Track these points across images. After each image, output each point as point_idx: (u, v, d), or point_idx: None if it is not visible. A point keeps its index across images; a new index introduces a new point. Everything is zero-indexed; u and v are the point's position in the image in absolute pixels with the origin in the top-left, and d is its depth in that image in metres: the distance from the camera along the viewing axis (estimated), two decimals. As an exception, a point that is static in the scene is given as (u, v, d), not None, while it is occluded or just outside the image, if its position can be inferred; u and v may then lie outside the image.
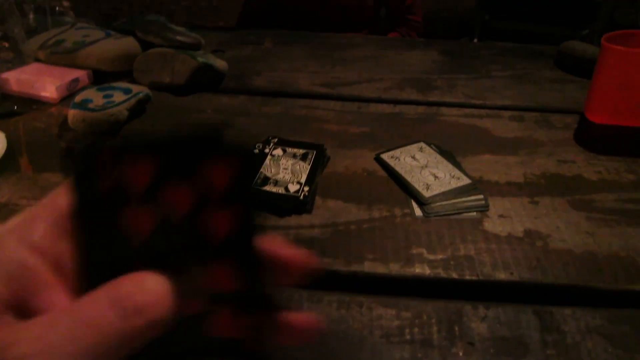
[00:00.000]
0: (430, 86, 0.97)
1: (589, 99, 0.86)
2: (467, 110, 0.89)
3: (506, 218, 0.65)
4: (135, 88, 0.82)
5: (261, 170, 0.70)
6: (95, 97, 0.78)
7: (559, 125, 0.85)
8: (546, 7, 2.41)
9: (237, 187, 0.23)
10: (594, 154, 0.78)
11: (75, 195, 0.23)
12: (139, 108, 0.82)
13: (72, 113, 0.75)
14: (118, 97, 0.79)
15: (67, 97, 0.86)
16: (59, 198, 0.24)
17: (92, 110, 0.75)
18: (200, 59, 0.90)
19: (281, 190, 0.66)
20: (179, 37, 0.94)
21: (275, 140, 0.77)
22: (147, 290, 0.21)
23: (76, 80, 0.88)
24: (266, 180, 0.68)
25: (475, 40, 2.56)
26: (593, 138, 0.82)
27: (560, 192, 0.70)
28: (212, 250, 0.23)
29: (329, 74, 1.01)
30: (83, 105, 0.76)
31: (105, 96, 0.79)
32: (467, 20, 2.91)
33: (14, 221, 0.23)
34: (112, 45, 0.94)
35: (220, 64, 0.94)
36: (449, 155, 0.76)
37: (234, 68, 1.00)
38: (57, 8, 1.14)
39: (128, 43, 0.95)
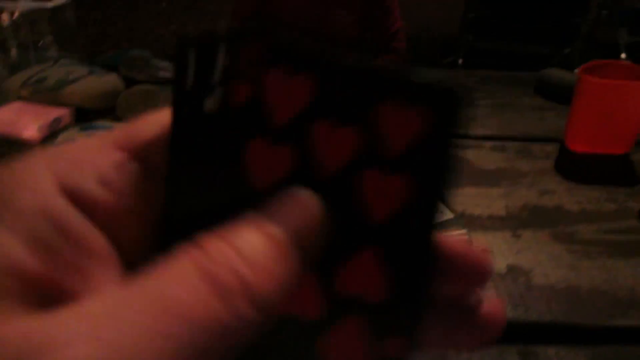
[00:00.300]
0: (413, 116, 0.98)
1: (568, 128, 0.87)
2: (450, 141, 0.90)
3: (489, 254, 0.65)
4: (118, 127, 0.82)
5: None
6: (77, 137, 0.78)
7: (539, 155, 0.86)
8: (528, 27, 2.46)
9: (423, 150, 0.15)
10: (575, 183, 0.79)
11: (181, 110, 0.16)
12: (122, 147, 0.82)
13: (53, 155, 0.75)
14: (100, 137, 0.79)
15: (49, 137, 0.86)
16: (144, 125, 0.17)
17: (74, 151, 0.75)
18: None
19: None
20: (162, 73, 0.94)
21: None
22: (255, 260, 0.13)
23: (58, 119, 0.88)
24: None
25: (460, 61, 2.60)
26: (573, 167, 0.83)
27: (541, 225, 0.70)
28: (363, 231, 0.16)
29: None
30: (65, 146, 0.76)
31: (87, 136, 0.78)
32: (451, 42, 2.95)
33: (56, 151, 0.16)
34: (95, 83, 0.94)
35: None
36: (431, 188, 0.76)
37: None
38: (40, 43, 1.15)
39: (111, 80, 0.95)
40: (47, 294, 0.13)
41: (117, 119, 0.90)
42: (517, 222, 0.71)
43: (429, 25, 3.79)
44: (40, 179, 0.14)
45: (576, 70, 0.83)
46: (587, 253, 0.65)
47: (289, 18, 1.39)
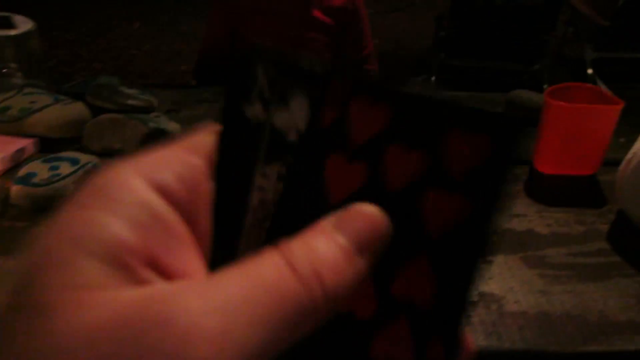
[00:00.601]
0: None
1: (536, 150, 0.88)
2: (421, 164, 0.90)
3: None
4: (83, 158, 0.80)
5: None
6: (40, 169, 0.76)
7: (509, 177, 0.87)
8: (498, 45, 2.51)
9: (482, 175, 0.17)
10: (544, 205, 0.80)
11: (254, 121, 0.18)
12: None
13: (15, 189, 0.73)
14: (65, 169, 0.77)
15: (12, 169, 0.84)
16: (206, 135, 0.19)
17: (36, 185, 0.73)
18: (151, 124, 0.89)
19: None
20: (130, 101, 0.93)
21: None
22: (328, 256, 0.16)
23: (21, 150, 0.86)
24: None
25: (433, 78, 2.64)
26: (543, 189, 0.84)
27: (513, 249, 0.70)
28: (420, 243, 0.18)
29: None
30: (27, 179, 0.73)
31: (51, 168, 0.76)
32: (424, 59, 3.00)
33: (138, 156, 0.18)
34: (60, 112, 0.92)
35: (172, 126, 0.93)
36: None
37: (187, 129, 0.99)
38: (3, 70, 1.12)
39: (77, 109, 0.93)
40: (148, 268, 0.16)
41: (84, 148, 0.88)
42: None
43: (403, 44, 3.85)
44: (131, 178, 0.17)
45: (545, 86, 0.85)
46: (557, 277, 0.66)
47: (264, 41, 1.39)
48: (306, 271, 0.16)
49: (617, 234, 0.74)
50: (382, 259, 0.18)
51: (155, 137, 0.90)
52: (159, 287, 0.15)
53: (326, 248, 0.16)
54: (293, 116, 0.18)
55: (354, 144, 0.18)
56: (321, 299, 0.16)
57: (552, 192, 0.83)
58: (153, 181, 0.17)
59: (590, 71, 2.67)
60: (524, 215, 0.77)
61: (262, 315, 0.15)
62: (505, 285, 0.64)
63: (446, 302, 0.18)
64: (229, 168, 0.19)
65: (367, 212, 0.18)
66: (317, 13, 1.39)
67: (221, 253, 0.18)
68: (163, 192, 0.17)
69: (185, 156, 0.19)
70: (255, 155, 0.19)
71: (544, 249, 0.70)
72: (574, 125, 0.81)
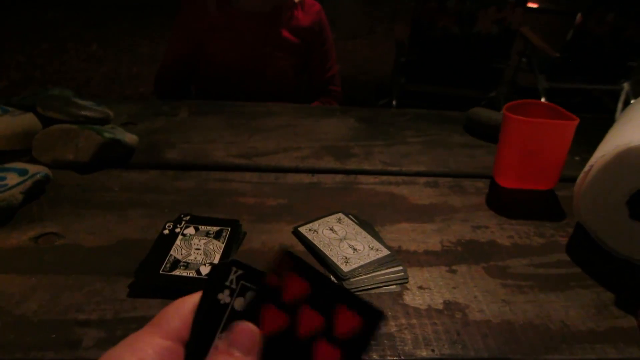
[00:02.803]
0: (348, 154, 0.98)
1: (496, 164, 0.89)
2: (384, 178, 0.90)
3: (425, 290, 0.64)
4: (32, 168, 0.76)
5: (171, 252, 0.65)
6: (-15, 180, 0.71)
7: (471, 190, 0.88)
8: (456, 72, 2.58)
9: (354, 342, 0.28)
10: (505, 217, 0.80)
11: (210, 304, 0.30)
12: (37, 190, 0.76)
13: (-43, 199, 0.68)
14: (12, 179, 0.73)
15: (-46, 179, 0.78)
16: (176, 319, 0.30)
17: (-20, 195, 0.68)
18: (106, 134, 0.86)
19: (192, 274, 0.62)
20: (83, 112, 0.89)
21: (188, 218, 0.73)
22: None
23: (-35, 160, 0.81)
24: (176, 263, 0.63)
25: (394, 102, 2.69)
26: (503, 202, 0.85)
27: (476, 259, 0.70)
28: None
29: (246, 144, 0.99)
30: (-30, 189, 0.69)
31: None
32: (385, 84, 3.05)
33: (127, 342, 0.29)
34: (9, 123, 0.87)
35: (129, 137, 0.90)
36: (367, 225, 0.75)
37: (145, 141, 0.96)
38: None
39: (27, 119, 0.89)
40: None
41: (34, 160, 0.84)
42: (452, 257, 0.70)
43: (365, 69, 3.92)
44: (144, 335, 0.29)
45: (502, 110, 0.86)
46: (519, 287, 0.66)
47: (227, 60, 1.38)
48: None
49: (576, 246, 0.75)
50: None
51: (111, 148, 0.87)
52: None
53: None
54: (246, 302, 0.30)
55: (283, 301, 0.29)
56: None
57: (512, 205, 0.84)
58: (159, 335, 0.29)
59: (543, 99, 2.78)
60: (486, 227, 0.77)
61: None
62: (470, 294, 0.64)
63: None
64: (199, 332, 0.30)
65: (246, 328, 0.28)
66: (284, 33, 1.40)
67: None
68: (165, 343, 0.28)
69: (154, 339, 0.29)
70: (218, 324, 0.30)
71: (505, 260, 0.71)
72: (531, 139, 0.82)
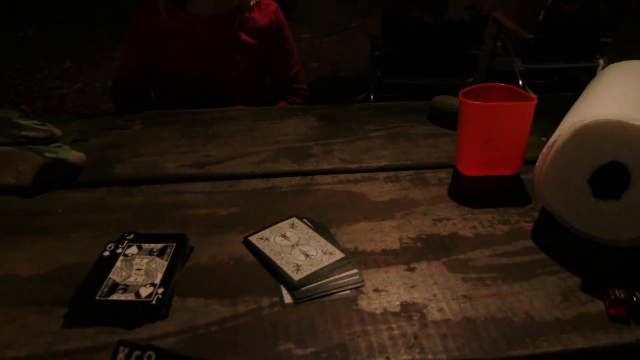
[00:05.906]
0: (306, 154, 0.94)
1: (457, 153, 0.86)
2: (343, 176, 0.87)
3: (382, 292, 0.61)
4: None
5: (110, 275, 0.62)
6: None
7: (433, 182, 0.84)
8: (432, 61, 2.55)
9: None
10: (468, 207, 0.77)
11: None
12: (-29, 218, 0.72)
13: None
14: (-59, 209, 0.68)
15: None
16: None
17: None
18: (48, 155, 0.82)
19: (131, 297, 0.58)
20: (24, 132, 0.85)
21: (131, 236, 0.69)
22: None
23: None
24: (114, 287, 0.60)
25: (372, 96, 2.65)
26: (466, 191, 0.81)
27: (436, 255, 0.67)
28: None
29: (201, 152, 0.95)
30: None
31: None
32: (363, 79, 3.02)
33: None
34: (-56, 149, 0.83)
35: (74, 156, 0.86)
36: (322, 228, 0.72)
37: (94, 158, 0.92)
38: None
39: (-36, 144, 0.84)
40: None
41: (-29, 187, 0.80)
42: (411, 254, 0.67)
43: (342, 66, 3.89)
44: None
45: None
46: (481, 280, 0.62)
47: (184, 66, 1.34)
48: None
49: (541, 232, 0.72)
50: None
51: (54, 168, 0.83)
52: None
53: None
54: None
55: None
56: None
57: (475, 194, 0.81)
58: None
59: (520, 82, 2.76)
60: (447, 219, 0.74)
61: None
62: (428, 293, 0.60)
63: None
64: None
65: None
66: (242, 35, 1.36)
67: None
68: None
69: None
70: None
71: (467, 252, 0.67)
72: (489, 124, 0.79)
